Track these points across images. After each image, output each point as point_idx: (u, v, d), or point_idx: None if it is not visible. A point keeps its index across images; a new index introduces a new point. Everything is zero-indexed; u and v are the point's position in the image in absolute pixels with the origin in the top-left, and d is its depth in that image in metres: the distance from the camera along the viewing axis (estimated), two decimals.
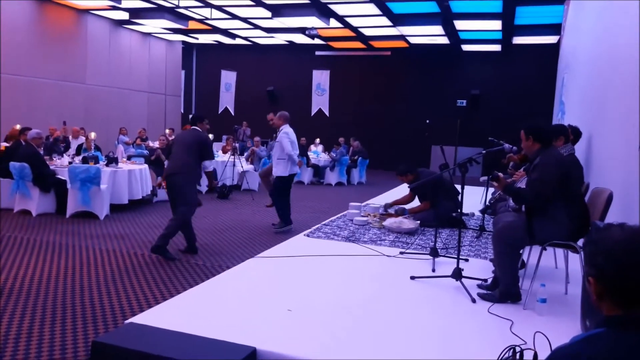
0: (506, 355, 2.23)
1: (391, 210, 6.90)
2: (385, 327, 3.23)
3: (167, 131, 13.94)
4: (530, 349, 2.25)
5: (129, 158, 9.17)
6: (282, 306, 3.45)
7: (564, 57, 11.41)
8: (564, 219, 3.50)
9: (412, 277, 4.21)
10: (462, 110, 17.67)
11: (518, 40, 15.69)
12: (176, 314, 3.24)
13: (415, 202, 6.97)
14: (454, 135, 17.44)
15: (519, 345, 2.30)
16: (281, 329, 3.09)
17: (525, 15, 12.72)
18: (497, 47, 16.77)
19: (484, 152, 4.09)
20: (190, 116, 5.95)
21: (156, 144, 10.98)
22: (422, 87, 18.09)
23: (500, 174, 3.70)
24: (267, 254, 4.83)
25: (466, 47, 16.95)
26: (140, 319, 3.10)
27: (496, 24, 13.59)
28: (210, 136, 14.75)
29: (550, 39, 15.07)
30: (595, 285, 1.34)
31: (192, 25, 15.29)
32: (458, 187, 5.28)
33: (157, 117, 17.45)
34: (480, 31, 14.56)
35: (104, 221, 7.18)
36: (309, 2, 12.19)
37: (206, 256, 5.61)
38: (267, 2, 12.30)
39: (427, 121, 18.08)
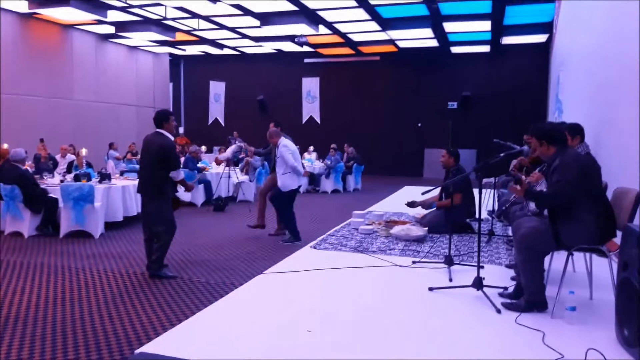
0: None
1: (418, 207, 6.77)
2: (412, 344, 3.05)
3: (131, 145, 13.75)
4: None
5: (121, 174, 8.93)
6: (301, 327, 3.26)
7: (558, 54, 11.37)
8: (591, 220, 3.36)
9: (431, 289, 4.04)
10: (453, 112, 17.65)
11: (507, 40, 15.68)
12: (189, 340, 3.04)
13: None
14: (446, 137, 17.40)
15: None
16: (303, 352, 2.90)
17: (514, 14, 12.70)
18: (486, 48, 16.76)
19: (502, 155, 3.95)
20: (153, 116, 5.24)
21: None
22: (412, 90, 18.04)
23: (523, 177, 3.56)
24: (276, 270, 4.63)
25: (455, 49, 16.92)
26: (151, 347, 2.89)
27: (485, 25, 13.57)
28: (203, 148, 14.65)
29: (540, 38, 15.09)
30: None
31: (179, 36, 15.11)
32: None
33: (146, 131, 16.89)
34: (469, 32, 14.53)
35: (99, 240, 6.93)
36: (297, 9, 12.06)
37: (208, 273, 5.39)
38: (255, 10, 12.16)
39: (419, 124, 18.03)
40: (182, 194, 5.50)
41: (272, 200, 6.77)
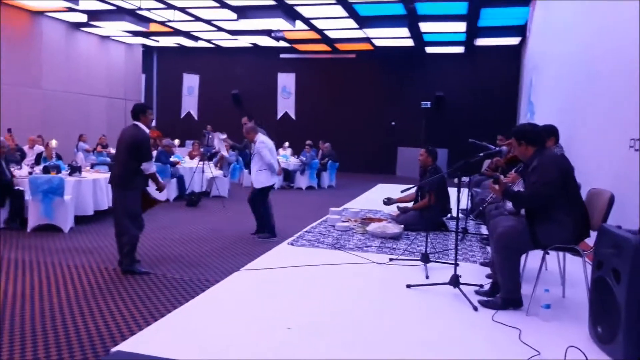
0: None
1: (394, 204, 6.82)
2: (392, 341, 3.06)
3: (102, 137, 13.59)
4: None
5: (92, 166, 8.71)
6: (281, 324, 3.23)
7: (531, 58, 11.58)
8: (568, 221, 3.42)
9: (409, 286, 4.07)
10: (426, 112, 17.79)
11: (481, 42, 15.89)
12: (167, 338, 2.98)
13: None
14: (419, 136, 17.55)
15: None
16: (283, 350, 2.88)
17: (489, 17, 12.87)
18: (460, 49, 16.95)
19: (482, 154, 3.99)
20: (131, 109, 5.27)
21: None
22: (387, 89, 18.13)
23: (502, 176, 3.60)
24: (253, 266, 4.59)
25: (430, 49, 17.08)
26: (128, 346, 2.82)
27: (461, 26, 13.71)
28: (176, 142, 14.42)
29: (512, 40, 15.34)
30: None
31: (153, 27, 14.80)
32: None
33: (117, 123, 16.78)
34: (444, 33, 14.67)
35: (69, 234, 6.75)
36: (275, 3, 11.97)
37: (182, 269, 5.30)
38: (232, 3, 12.01)
39: (392, 123, 18.14)
40: (158, 193, 5.40)
41: (250, 202, 6.70)
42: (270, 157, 6.45)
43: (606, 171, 4.57)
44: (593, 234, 3.51)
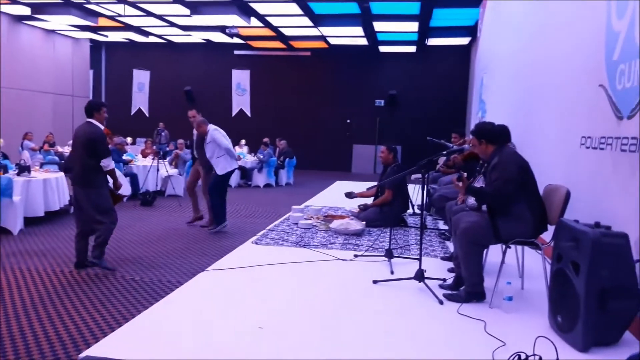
0: None
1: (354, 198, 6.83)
2: (363, 337, 3.10)
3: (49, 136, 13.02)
4: (535, 354, 2.21)
5: (41, 166, 8.35)
6: (252, 324, 3.21)
7: (482, 58, 11.94)
8: (527, 215, 3.57)
9: (375, 281, 4.13)
10: (380, 110, 18.07)
11: (432, 41, 16.26)
12: (137, 341, 2.90)
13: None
14: (373, 134, 17.81)
15: (523, 352, 2.26)
16: (255, 349, 2.87)
17: (440, 17, 13.19)
18: (412, 49, 17.29)
19: (444, 153, 4.10)
20: (85, 106, 5.24)
21: (66, 149, 10.17)
22: (341, 87, 18.26)
23: (465, 174, 3.72)
24: (219, 266, 4.53)
25: (383, 49, 17.32)
26: (96, 350, 2.73)
27: (413, 26, 13.98)
28: (129, 139, 14.03)
29: (462, 40, 15.78)
30: None
31: (102, 22, 14.31)
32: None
33: (64, 120, 16.19)
34: (397, 32, 14.92)
35: (18, 237, 6.44)
36: (229, 0, 11.83)
37: (142, 270, 5.17)
38: None
39: (348, 121, 18.30)
40: (122, 189, 5.33)
41: (211, 193, 6.60)
42: (227, 142, 6.43)
43: (559, 168, 4.78)
44: (549, 228, 3.67)
